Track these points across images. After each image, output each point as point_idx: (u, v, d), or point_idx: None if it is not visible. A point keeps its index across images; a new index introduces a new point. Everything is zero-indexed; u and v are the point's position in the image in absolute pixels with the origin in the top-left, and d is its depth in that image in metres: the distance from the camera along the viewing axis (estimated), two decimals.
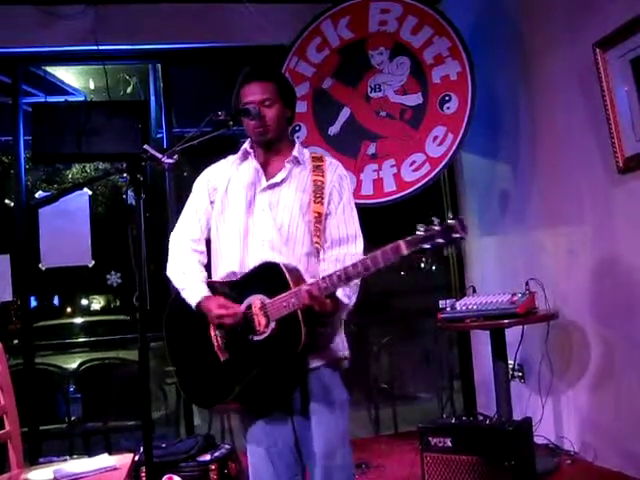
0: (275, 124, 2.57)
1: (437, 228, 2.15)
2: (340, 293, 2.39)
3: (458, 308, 4.09)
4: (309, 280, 2.40)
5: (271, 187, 2.58)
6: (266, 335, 2.38)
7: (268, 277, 2.42)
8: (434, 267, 6.37)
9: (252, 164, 2.63)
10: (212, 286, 2.56)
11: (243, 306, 2.43)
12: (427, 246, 2.16)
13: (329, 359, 2.57)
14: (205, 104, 5.25)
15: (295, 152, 2.63)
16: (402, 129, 4.72)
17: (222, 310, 2.42)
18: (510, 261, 4.83)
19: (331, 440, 2.52)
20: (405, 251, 2.17)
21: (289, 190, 2.58)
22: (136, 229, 2.16)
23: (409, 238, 2.18)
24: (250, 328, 2.41)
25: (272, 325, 2.37)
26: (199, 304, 2.49)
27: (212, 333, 2.49)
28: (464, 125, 4.53)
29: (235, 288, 2.50)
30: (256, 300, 2.41)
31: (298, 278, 2.41)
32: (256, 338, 2.40)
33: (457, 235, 2.14)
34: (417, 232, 2.17)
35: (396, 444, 4.92)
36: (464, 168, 5.51)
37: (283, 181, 2.59)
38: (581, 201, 4.13)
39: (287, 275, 2.37)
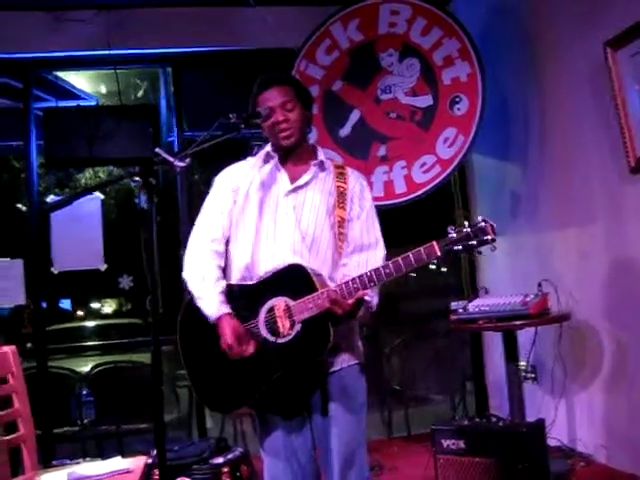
0: (299, 126, 2.59)
1: (468, 230, 2.21)
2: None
3: (470, 309, 4.08)
4: (331, 284, 2.42)
5: (295, 190, 2.58)
6: (291, 337, 2.38)
7: (293, 279, 2.42)
8: (445, 268, 6.36)
9: (275, 167, 2.63)
10: (231, 290, 2.53)
11: (265, 308, 2.42)
12: (459, 248, 2.22)
13: (350, 361, 2.57)
14: (216, 107, 5.26)
15: (321, 156, 2.65)
16: (412, 131, 4.72)
17: (233, 342, 2.39)
18: (522, 262, 4.82)
19: (350, 443, 2.52)
20: (439, 252, 2.23)
21: (314, 193, 2.59)
22: (148, 233, 2.16)
23: (442, 239, 2.23)
24: (273, 331, 2.41)
25: (297, 327, 2.37)
26: (216, 321, 2.46)
27: None
28: (474, 126, 4.52)
29: (255, 290, 2.48)
30: (280, 302, 2.40)
31: (323, 281, 2.43)
32: (280, 341, 2.40)
33: (488, 237, 2.20)
34: (449, 234, 2.23)
35: (409, 446, 4.92)
36: (475, 169, 5.51)
37: (307, 183, 2.59)
38: (592, 201, 4.11)
39: (313, 277, 2.39)
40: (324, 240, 2.55)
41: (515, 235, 4.84)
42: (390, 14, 4.80)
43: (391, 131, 4.78)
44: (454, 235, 2.22)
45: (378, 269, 2.31)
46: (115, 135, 4.78)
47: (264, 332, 2.42)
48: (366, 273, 2.33)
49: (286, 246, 2.51)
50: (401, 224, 4.56)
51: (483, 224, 2.21)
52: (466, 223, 2.23)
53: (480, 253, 2.28)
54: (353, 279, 2.34)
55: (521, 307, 3.86)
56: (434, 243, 2.24)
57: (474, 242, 2.21)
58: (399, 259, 2.29)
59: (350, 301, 2.34)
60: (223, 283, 2.54)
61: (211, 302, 2.48)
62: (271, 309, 2.42)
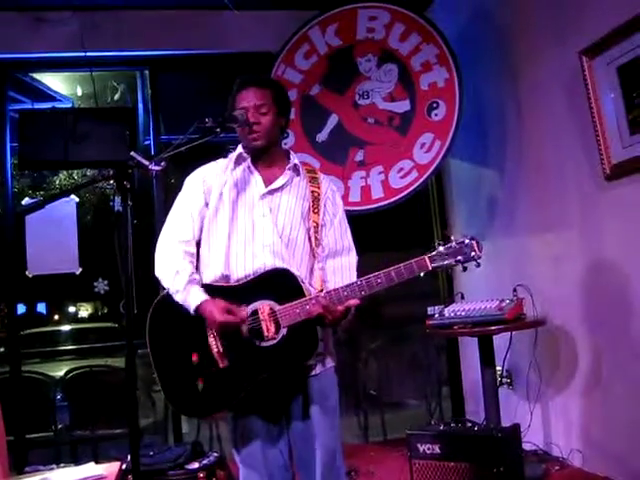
0: (267, 131, 2.58)
1: (457, 246, 2.32)
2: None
3: (446, 315, 4.09)
4: (310, 289, 2.43)
5: (271, 193, 2.58)
6: (276, 341, 2.38)
7: (278, 283, 2.43)
8: (422, 274, 6.38)
9: (248, 170, 2.62)
10: (208, 289, 2.49)
11: (248, 311, 2.41)
12: (446, 263, 2.33)
13: (327, 364, 2.59)
14: (193, 111, 5.24)
15: (295, 160, 2.66)
16: (390, 136, 4.73)
17: (227, 316, 2.37)
18: (498, 267, 4.83)
19: (330, 445, 2.54)
20: (430, 267, 2.33)
21: (289, 196, 2.60)
22: (123, 236, 2.15)
23: (433, 254, 2.33)
24: (257, 334, 2.39)
25: (283, 332, 2.37)
26: (199, 307, 2.42)
27: (211, 338, 2.45)
28: (452, 132, 4.54)
29: (236, 292, 2.46)
30: (264, 306, 2.40)
31: (308, 287, 2.45)
32: (264, 344, 2.39)
33: (474, 253, 2.33)
34: (438, 248, 2.33)
35: (385, 451, 4.91)
36: (452, 174, 5.53)
37: (283, 187, 2.60)
38: (569, 208, 4.14)
39: (301, 282, 2.40)
40: (300, 243, 2.56)
41: (492, 240, 4.86)
42: (368, 19, 4.81)
43: (369, 136, 4.78)
44: (442, 250, 2.31)
45: (369, 278, 2.34)
46: (91, 138, 4.74)
47: (247, 335, 2.41)
48: (357, 282, 2.36)
49: (265, 247, 2.51)
50: (378, 229, 4.57)
51: (470, 241, 2.31)
52: (452, 238, 2.32)
53: (465, 269, 2.36)
54: (344, 287, 2.37)
55: (497, 312, 3.87)
56: (425, 257, 2.33)
57: (460, 258, 2.32)
58: (391, 270, 2.33)
59: (340, 308, 2.36)
60: (198, 277, 2.53)
61: (189, 292, 2.46)
62: (254, 312, 2.41)
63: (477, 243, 2.31)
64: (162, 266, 2.56)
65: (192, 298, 2.45)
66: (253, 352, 2.39)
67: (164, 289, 2.55)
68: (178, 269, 2.51)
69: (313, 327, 2.36)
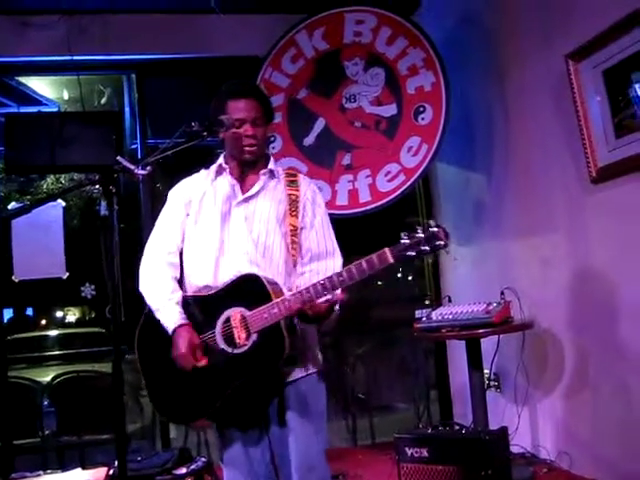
0: (263, 143, 2.62)
1: (421, 236, 2.21)
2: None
3: (434, 318, 4.10)
4: (287, 293, 2.41)
5: (247, 200, 2.59)
6: (247, 347, 2.37)
7: (247, 289, 2.42)
8: (410, 277, 6.39)
9: (227, 179, 2.63)
10: (186, 301, 2.53)
11: (222, 319, 2.42)
12: (412, 254, 2.22)
13: (308, 370, 2.57)
14: (180, 115, 5.24)
15: (270, 165, 2.66)
16: (377, 140, 4.74)
17: (186, 351, 2.40)
18: (485, 270, 4.85)
19: (309, 452, 2.52)
20: (391, 259, 2.23)
21: (264, 201, 2.60)
22: (109, 240, 2.14)
23: (394, 246, 2.23)
24: (229, 341, 2.40)
25: (253, 337, 2.37)
26: (174, 331, 2.46)
27: None
28: (438, 136, 4.55)
29: (211, 301, 2.48)
30: (235, 313, 2.40)
31: (278, 290, 2.43)
32: (236, 351, 2.39)
33: (441, 242, 2.21)
34: (402, 240, 2.23)
35: (373, 454, 4.91)
36: (439, 178, 5.54)
37: (258, 193, 2.60)
38: (555, 211, 4.16)
39: (268, 286, 2.38)
40: (276, 249, 2.56)
41: (479, 244, 4.87)
42: (355, 23, 4.82)
43: (356, 140, 4.79)
44: (407, 241, 2.22)
45: (332, 277, 2.30)
46: (78, 142, 4.72)
47: (221, 343, 2.41)
48: (320, 281, 2.31)
49: (242, 256, 2.51)
50: (365, 233, 4.56)
51: (435, 229, 2.20)
52: (419, 228, 2.22)
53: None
54: (307, 288, 2.33)
55: (484, 315, 3.88)
56: (386, 250, 2.23)
57: (427, 248, 2.21)
58: (352, 267, 2.28)
59: (322, 303, 2.34)
60: (179, 294, 2.55)
61: (168, 313, 2.49)
62: (227, 320, 2.41)
63: (443, 231, 2.20)
64: (145, 282, 2.60)
65: (169, 321, 2.48)
66: (226, 359, 2.40)
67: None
68: (159, 287, 2.55)
69: (279, 331, 2.34)
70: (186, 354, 2.40)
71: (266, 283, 2.39)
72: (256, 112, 2.56)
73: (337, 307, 2.44)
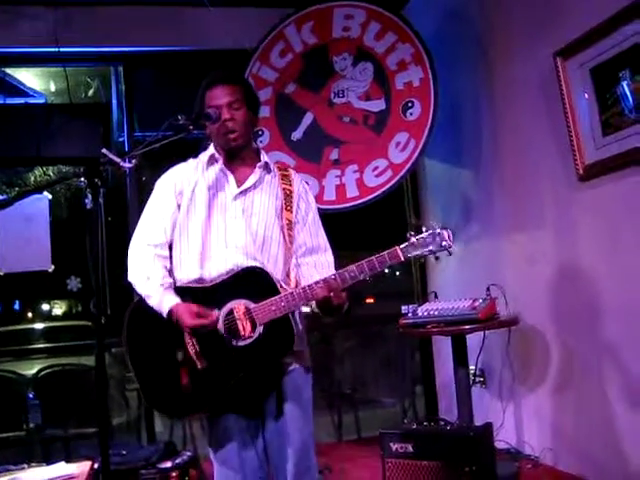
0: (244, 128, 2.58)
1: (429, 236, 2.34)
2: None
3: (420, 314, 4.09)
4: (285, 286, 2.45)
5: (243, 193, 2.58)
6: (253, 339, 2.38)
7: (252, 282, 2.43)
8: (397, 273, 6.39)
9: (220, 170, 2.61)
10: (182, 292, 2.50)
11: (224, 311, 2.41)
12: (418, 253, 2.35)
13: (301, 360, 2.59)
14: (167, 107, 5.21)
15: (265, 158, 2.65)
16: (365, 135, 4.73)
17: (198, 320, 2.38)
18: (472, 267, 4.86)
19: (305, 440, 2.55)
20: (402, 257, 2.34)
21: (262, 195, 2.60)
22: (94, 234, 2.13)
23: (404, 245, 2.34)
24: (233, 333, 2.39)
25: (259, 329, 2.37)
26: (170, 312, 2.43)
27: (187, 340, 2.44)
28: (426, 131, 4.54)
29: (210, 293, 2.47)
30: (239, 305, 2.40)
31: (281, 284, 2.46)
32: (241, 343, 2.39)
33: (446, 243, 2.33)
34: (410, 239, 2.35)
35: (359, 449, 4.92)
36: (427, 174, 5.54)
37: (255, 186, 2.60)
38: (542, 208, 4.17)
39: (274, 280, 2.42)
40: (274, 242, 2.56)
41: (466, 240, 4.88)
42: (344, 18, 4.81)
43: (344, 135, 4.78)
44: (414, 240, 2.33)
45: (343, 272, 2.36)
46: (64, 134, 4.70)
47: (223, 334, 2.41)
48: (331, 276, 2.37)
49: (238, 250, 2.51)
50: (352, 229, 4.57)
51: (441, 231, 2.32)
52: (424, 229, 2.34)
53: (437, 259, 2.41)
54: (316, 282, 2.38)
55: (470, 311, 3.88)
56: (397, 248, 2.34)
57: (432, 248, 2.33)
58: (364, 263, 2.35)
59: (343, 293, 2.40)
60: (169, 280, 2.54)
61: (160, 297, 2.47)
62: (230, 312, 2.41)
63: (448, 232, 2.34)
64: (134, 271, 2.58)
65: (164, 303, 2.46)
66: (230, 351, 2.40)
67: (137, 294, 2.56)
68: (149, 274, 2.52)
69: (289, 324, 2.38)
70: (195, 322, 2.38)
71: (273, 276, 2.43)
72: (231, 96, 2.54)
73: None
